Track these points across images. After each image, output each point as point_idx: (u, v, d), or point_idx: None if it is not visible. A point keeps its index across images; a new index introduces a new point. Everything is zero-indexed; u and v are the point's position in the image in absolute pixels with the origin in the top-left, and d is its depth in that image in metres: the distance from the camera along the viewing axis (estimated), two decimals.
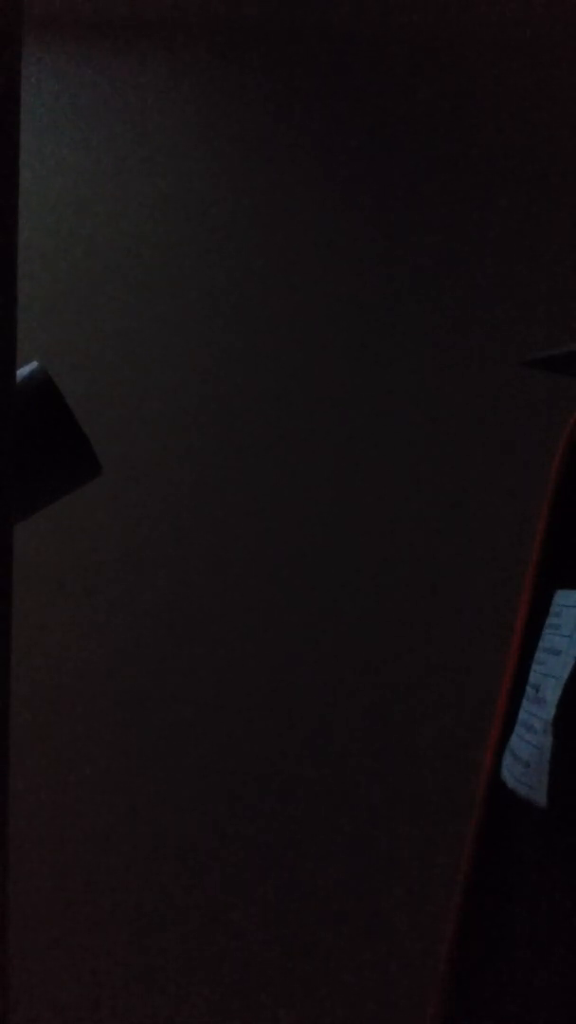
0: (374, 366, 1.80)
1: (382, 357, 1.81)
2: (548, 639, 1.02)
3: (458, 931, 1.06)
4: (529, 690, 1.02)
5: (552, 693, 0.97)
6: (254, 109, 1.83)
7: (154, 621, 1.81)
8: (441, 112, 1.81)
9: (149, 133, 1.85)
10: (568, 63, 1.79)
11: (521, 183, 1.80)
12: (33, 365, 1.08)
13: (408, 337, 1.81)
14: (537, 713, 0.98)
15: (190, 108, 1.84)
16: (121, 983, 1.80)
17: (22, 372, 1.08)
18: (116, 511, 1.82)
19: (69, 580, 1.82)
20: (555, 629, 1.01)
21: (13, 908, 1.84)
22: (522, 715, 1.03)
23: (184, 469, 1.82)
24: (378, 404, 1.80)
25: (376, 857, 1.78)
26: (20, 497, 1.07)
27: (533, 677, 1.03)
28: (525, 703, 1.02)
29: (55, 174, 1.85)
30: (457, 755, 1.77)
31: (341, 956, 1.79)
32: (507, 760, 1.03)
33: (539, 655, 1.03)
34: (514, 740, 1.02)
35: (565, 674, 0.96)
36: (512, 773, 1.00)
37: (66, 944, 1.81)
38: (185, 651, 1.81)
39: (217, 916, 1.80)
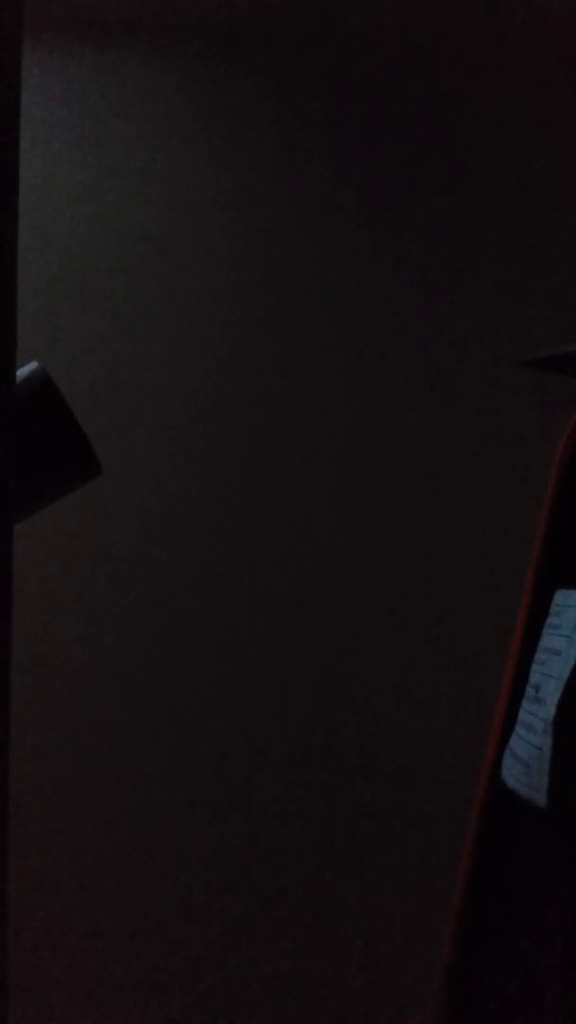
0: (373, 366, 1.80)
1: (381, 357, 1.81)
2: (548, 639, 1.02)
3: (458, 931, 1.06)
4: (529, 690, 1.02)
5: (552, 693, 0.97)
6: (256, 109, 1.83)
7: (154, 621, 1.81)
8: (441, 110, 1.81)
9: (150, 133, 1.85)
10: (568, 62, 1.79)
11: (522, 181, 1.80)
12: (33, 365, 1.08)
13: (407, 336, 1.81)
14: (537, 713, 0.99)
15: (191, 108, 1.84)
16: (120, 983, 1.80)
17: (22, 372, 1.08)
18: (116, 512, 1.82)
19: (69, 580, 1.82)
20: (555, 629, 1.01)
21: (12, 909, 1.84)
22: (522, 715, 1.03)
23: (185, 469, 1.82)
24: (377, 404, 1.80)
25: (375, 857, 1.78)
26: (20, 497, 1.07)
27: (533, 677, 1.03)
28: (525, 703, 1.03)
29: (55, 174, 1.85)
30: (457, 755, 1.77)
31: (340, 956, 1.79)
32: (507, 760, 1.03)
33: (539, 655, 1.03)
34: (514, 740, 1.02)
35: (565, 674, 0.96)
36: (512, 773, 1.00)
37: (65, 944, 1.81)
38: (185, 651, 1.81)
39: (216, 916, 1.80)
